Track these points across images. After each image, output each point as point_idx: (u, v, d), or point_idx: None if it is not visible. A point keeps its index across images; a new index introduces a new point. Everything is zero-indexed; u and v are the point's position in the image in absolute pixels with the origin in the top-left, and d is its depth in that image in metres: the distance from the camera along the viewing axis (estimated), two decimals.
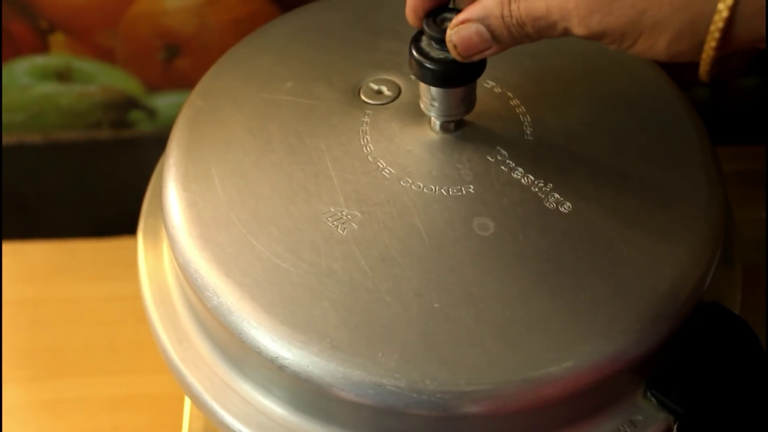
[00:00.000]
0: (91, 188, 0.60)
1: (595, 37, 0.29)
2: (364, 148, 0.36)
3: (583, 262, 0.33)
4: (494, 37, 0.32)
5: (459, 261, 0.33)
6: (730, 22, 0.27)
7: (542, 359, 0.31)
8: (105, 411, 0.52)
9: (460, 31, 0.32)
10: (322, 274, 0.33)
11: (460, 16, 0.32)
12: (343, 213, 0.34)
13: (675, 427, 0.34)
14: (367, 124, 0.37)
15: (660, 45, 0.29)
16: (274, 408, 0.34)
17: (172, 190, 0.36)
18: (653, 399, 0.34)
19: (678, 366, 0.34)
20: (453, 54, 0.33)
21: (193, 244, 0.34)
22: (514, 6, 0.30)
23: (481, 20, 0.31)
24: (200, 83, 0.39)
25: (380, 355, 0.31)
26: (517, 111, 0.37)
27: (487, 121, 0.37)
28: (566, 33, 0.30)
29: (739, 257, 0.38)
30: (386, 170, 0.35)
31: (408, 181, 0.35)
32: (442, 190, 0.35)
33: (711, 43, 0.28)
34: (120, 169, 0.60)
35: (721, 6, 0.27)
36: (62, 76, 0.56)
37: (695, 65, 0.57)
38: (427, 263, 0.33)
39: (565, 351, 0.32)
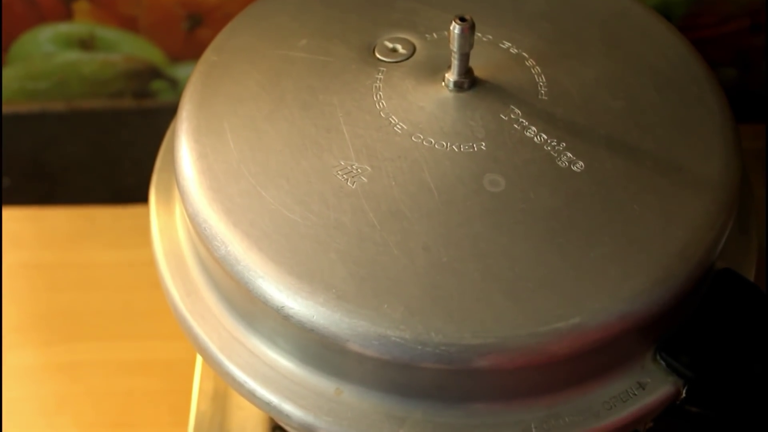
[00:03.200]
0: (112, 156, 0.61)
1: None
2: (377, 104, 0.36)
3: (594, 221, 0.33)
4: None
5: (468, 216, 0.33)
6: None
7: (549, 315, 0.31)
8: (120, 375, 0.52)
9: None
10: (330, 226, 0.33)
11: None
12: (354, 167, 0.34)
13: (684, 391, 0.33)
14: (380, 81, 0.37)
15: None
16: (281, 360, 0.34)
17: (184, 143, 0.36)
18: (663, 362, 0.33)
19: (689, 330, 0.34)
20: None
21: (203, 195, 0.34)
22: None
23: None
24: (216, 39, 0.39)
25: (386, 306, 0.31)
26: (533, 71, 0.37)
27: (501, 80, 0.36)
28: None
29: (756, 227, 0.38)
30: (398, 126, 0.35)
31: (419, 137, 0.35)
32: (454, 147, 0.35)
33: None
34: (141, 139, 0.60)
35: None
36: (85, 44, 0.56)
37: (721, 45, 0.55)
38: (436, 218, 0.33)
39: (573, 308, 0.31)
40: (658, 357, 0.33)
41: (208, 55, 0.38)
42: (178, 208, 0.38)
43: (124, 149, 0.60)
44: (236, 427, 0.45)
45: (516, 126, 0.35)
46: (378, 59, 0.37)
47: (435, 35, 0.38)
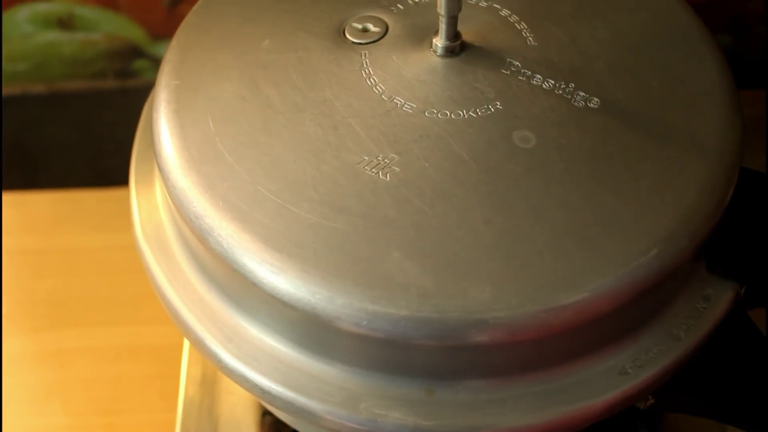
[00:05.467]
0: (95, 138, 0.58)
1: None
2: (374, 89, 0.34)
3: (631, 152, 0.33)
4: None
5: (514, 178, 0.32)
6: None
7: (628, 254, 0.31)
8: (108, 361, 0.51)
9: None
10: (380, 225, 0.31)
11: None
12: (379, 158, 0.32)
13: (743, 291, 0.34)
14: (366, 64, 0.35)
15: None
16: (359, 378, 0.31)
17: (185, 181, 0.32)
18: (719, 270, 0.34)
19: (731, 233, 0.34)
20: None
21: (231, 229, 0.31)
22: None
23: None
24: (166, 61, 0.35)
25: (472, 290, 0.30)
26: (511, 20, 0.36)
27: (485, 36, 0.35)
28: None
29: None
30: (406, 106, 0.33)
31: (433, 112, 0.33)
32: (471, 113, 0.33)
33: None
34: (124, 119, 0.56)
35: None
36: (64, 23, 0.53)
37: (714, 11, 0.53)
38: (483, 188, 0.32)
39: (647, 241, 0.31)
40: (712, 266, 0.34)
41: (168, 80, 0.35)
42: (180, 251, 0.34)
43: (107, 131, 0.58)
44: (226, 411, 0.43)
45: (521, 78, 0.34)
46: (353, 43, 0.35)
47: (400, 6, 0.36)
